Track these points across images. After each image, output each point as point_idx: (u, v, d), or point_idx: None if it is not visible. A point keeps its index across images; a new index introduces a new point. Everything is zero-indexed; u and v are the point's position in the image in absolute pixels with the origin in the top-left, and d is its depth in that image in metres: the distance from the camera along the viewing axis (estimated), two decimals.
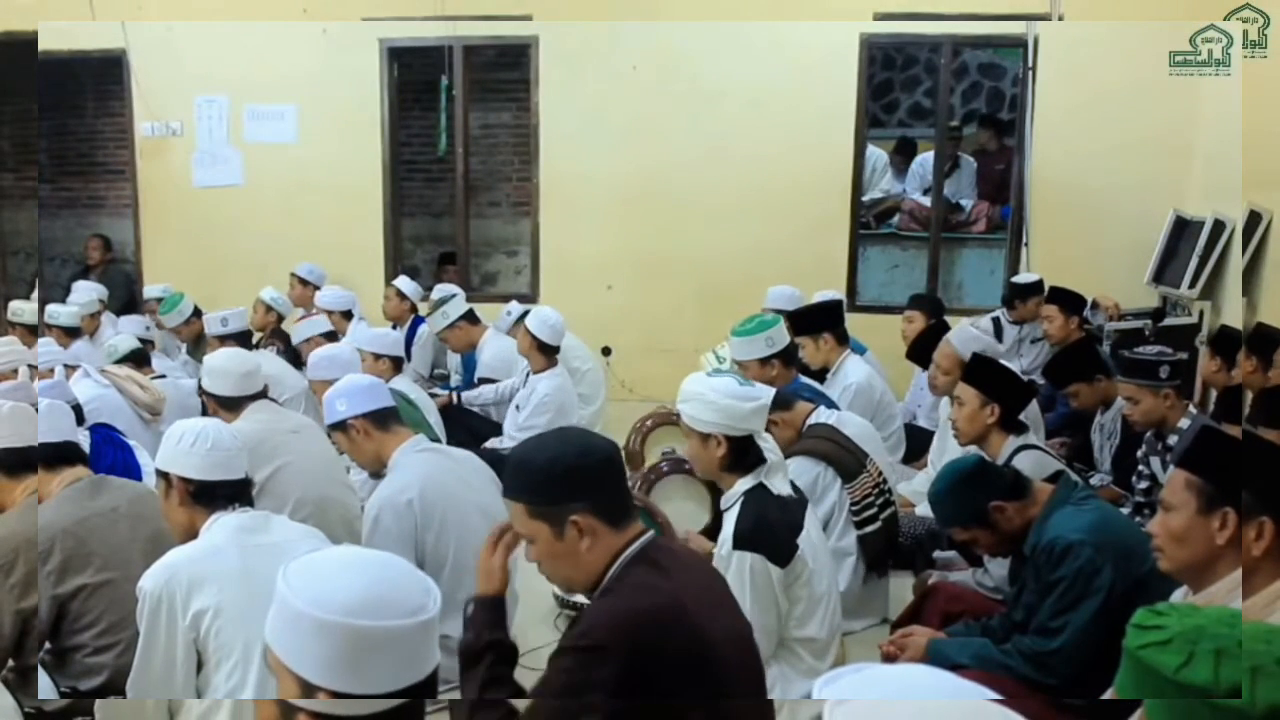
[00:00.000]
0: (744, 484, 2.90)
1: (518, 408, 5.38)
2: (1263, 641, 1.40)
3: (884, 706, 0.97)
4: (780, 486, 2.91)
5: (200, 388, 5.46)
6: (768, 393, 3.03)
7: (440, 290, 6.83)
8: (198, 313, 6.52)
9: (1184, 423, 3.87)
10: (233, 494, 2.59)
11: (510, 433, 5.37)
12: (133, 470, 3.80)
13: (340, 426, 3.39)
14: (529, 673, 2.02)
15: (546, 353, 5.28)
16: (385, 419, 3.42)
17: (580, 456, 1.96)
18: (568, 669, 1.86)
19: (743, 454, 2.89)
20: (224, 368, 3.93)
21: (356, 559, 1.49)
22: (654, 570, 1.96)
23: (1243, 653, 1.38)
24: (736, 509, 2.88)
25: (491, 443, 5.37)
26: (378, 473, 3.46)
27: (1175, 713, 1.39)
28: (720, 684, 1.91)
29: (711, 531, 3.81)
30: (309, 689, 1.37)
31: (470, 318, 6.13)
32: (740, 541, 2.82)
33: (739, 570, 2.80)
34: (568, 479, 1.93)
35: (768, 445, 2.93)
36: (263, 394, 4.01)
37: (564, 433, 2.15)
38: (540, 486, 1.95)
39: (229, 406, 3.87)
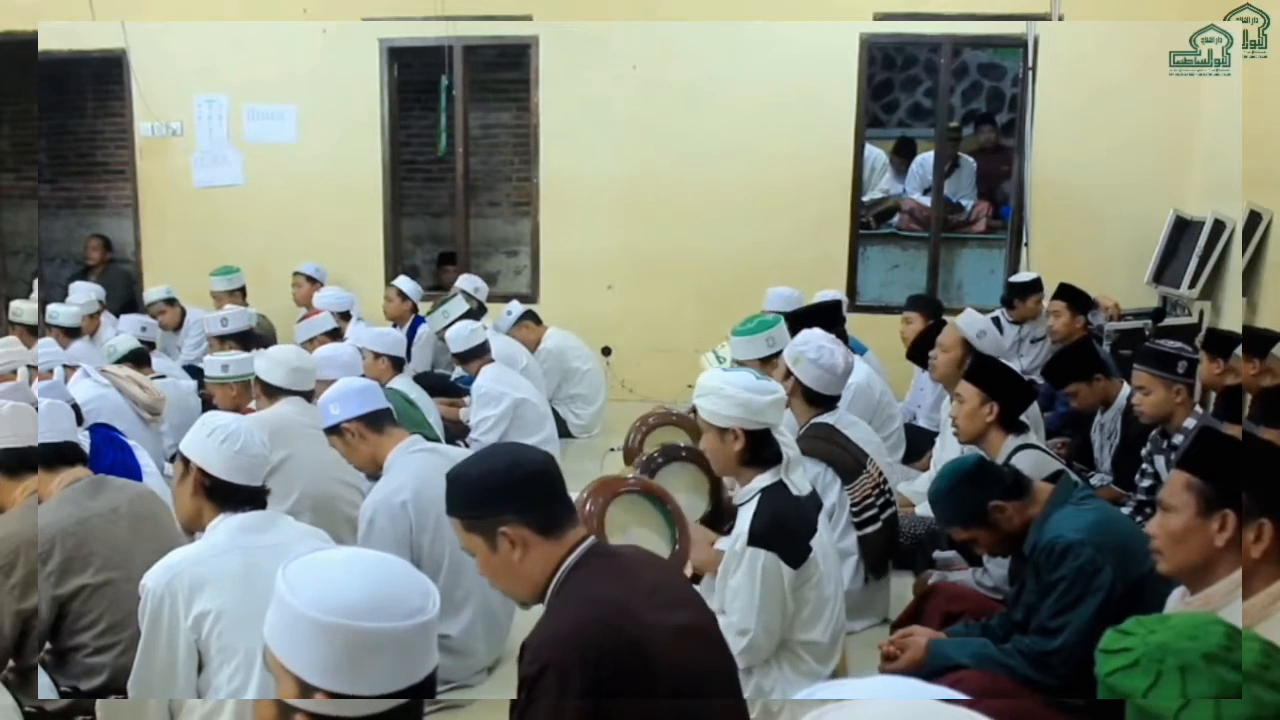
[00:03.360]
0: (761, 480, 2.88)
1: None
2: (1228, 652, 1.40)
3: (852, 709, 0.98)
4: (800, 484, 2.91)
5: (199, 386, 5.50)
6: (780, 388, 3.03)
7: (465, 280, 6.99)
8: (244, 292, 7.01)
9: (1189, 422, 3.87)
10: (247, 499, 2.59)
11: (475, 435, 5.48)
12: (133, 470, 3.80)
13: (335, 430, 3.40)
14: None
15: (475, 356, 5.58)
16: (379, 421, 3.43)
17: (508, 470, 2.01)
18: (532, 702, 1.86)
19: (760, 448, 2.88)
20: (279, 357, 4.22)
21: (356, 560, 1.49)
22: (594, 576, 1.99)
23: (1208, 668, 1.37)
24: (753, 505, 2.86)
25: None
26: (374, 474, 3.47)
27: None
28: (677, 678, 1.92)
29: (710, 520, 3.79)
30: (307, 689, 1.37)
31: (469, 316, 6.13)
32: (755, 539, 2.79)
33: (749, 568, 2.78)
34: (494, 492, 1.99)
35: (785, 440, 2.92)
36: (307, 394, 4.13)
37: (496, 448, 2.20)
38: (470, 500, 2.02)
39: (269, 394, 4.12)
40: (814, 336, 3.90)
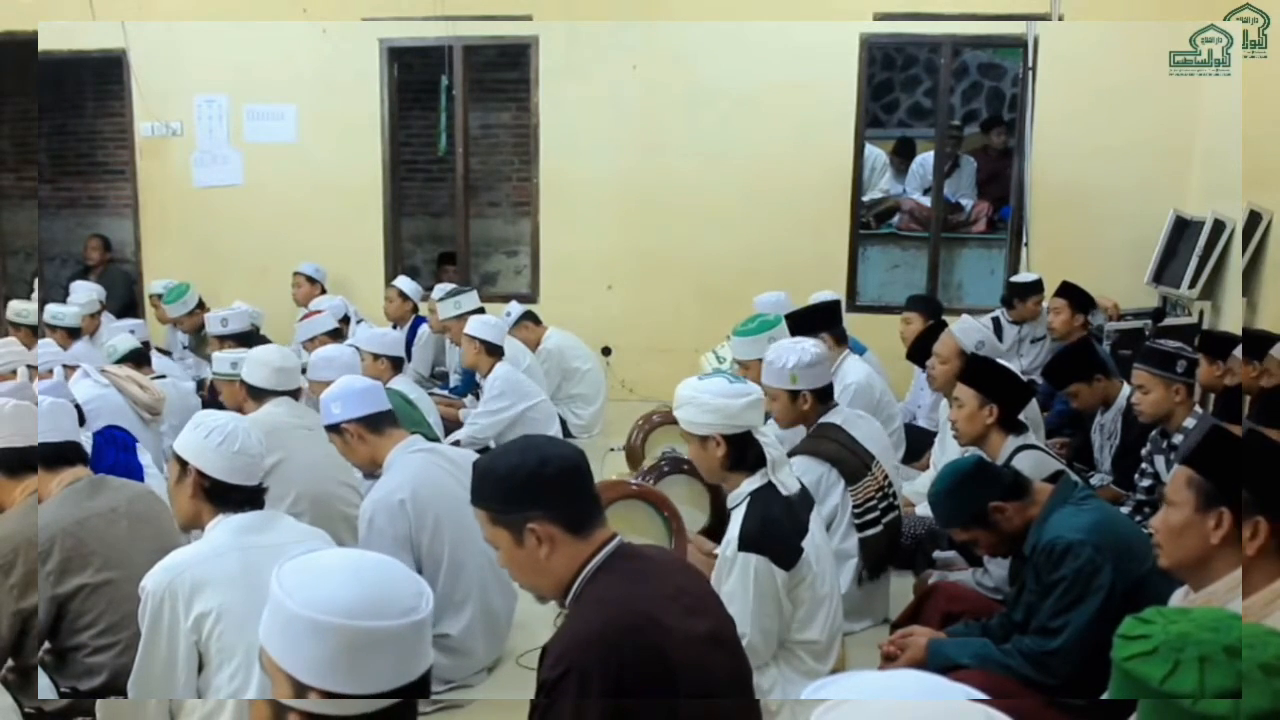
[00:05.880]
0: (750, 484, 2.88)
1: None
2: (1247, 647, 1.39)
3: (871, 707, 0.97)
4: (788, 484, 2.91)
5: (199, 387, 5.50)
6: (757, 389, 3.03)
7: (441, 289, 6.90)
8: (202, 305, 6.76)
9: (1189, 422, 3.88)
10: (246, 499, 2.60)
11: (474, 420, 5.51)
12: (134, 470, 3.80)
13: (335, 429, 3.41)
14: (530, 672, 2.02)
15: (495, 353, 5.58)
16: (379, 422, 3.43)
17: (540, 465, 1.97)
18: (553, 705, 1.85)
19: (743, 451, 2.88)
20: (262, 359, 4.14)
21: (350, 560, 1.50)
22: (620, 579, 1.97)
23: (1228, 661, 1.36)
24: (743, 509, 2.86)
25: (456, 434, 5.51)
26: (373, 474, 3.47)
27: (1165, 715, 1.38)
28: (697, 686, 1.91)
29: (710, 532, 3.79)
30: (301, 689, 1.37)
31: (478, 314, 6.12)
32: (745, 543, 2.80)
33: (743, 573, 2.78)
34: (525, 487, 1.95)
35: (767, 440, 2.93)
36: (293, 393, 4.11)
37: (528, 440, 2.14)
38: (499, 494, 1.98)
39: (256, 396, 4.06)
40: (788, 349, 3.78)
